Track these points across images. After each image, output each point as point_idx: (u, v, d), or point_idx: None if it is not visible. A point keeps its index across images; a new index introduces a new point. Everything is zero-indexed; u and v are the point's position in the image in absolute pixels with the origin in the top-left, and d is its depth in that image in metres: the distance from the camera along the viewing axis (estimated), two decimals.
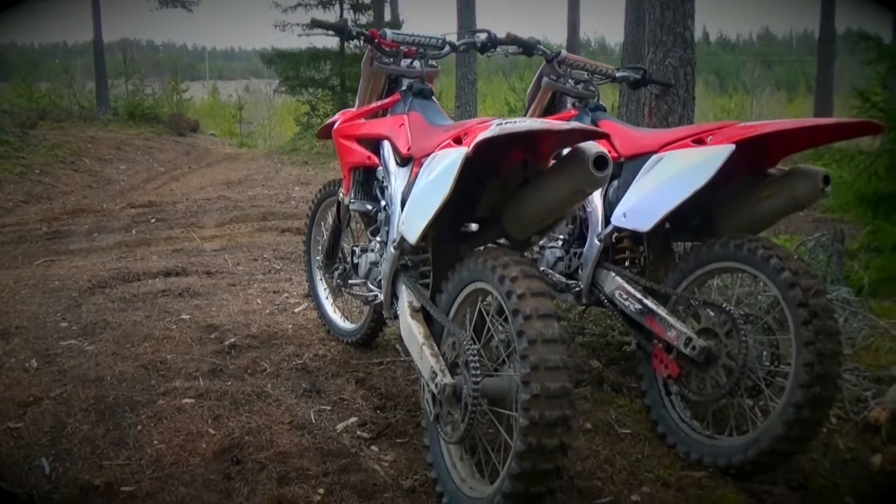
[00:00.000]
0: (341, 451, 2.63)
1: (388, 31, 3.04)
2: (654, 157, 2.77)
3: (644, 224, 2.71)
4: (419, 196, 2.40)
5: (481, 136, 2.07)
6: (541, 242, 3.31)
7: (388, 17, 15.85)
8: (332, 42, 17.34)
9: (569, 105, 3.38)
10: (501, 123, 2.08)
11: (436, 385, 2.19)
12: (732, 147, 2.46)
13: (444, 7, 13.58)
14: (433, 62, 3.16)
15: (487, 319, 2.24)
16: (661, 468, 2.51)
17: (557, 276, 3.12)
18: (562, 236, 3.19)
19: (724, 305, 2.49)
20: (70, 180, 10.96)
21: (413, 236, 2.39)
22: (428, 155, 2.43)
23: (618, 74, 3.49)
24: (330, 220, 3.52)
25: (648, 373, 2.75)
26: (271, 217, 7.36)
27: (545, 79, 3.40)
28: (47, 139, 12.81)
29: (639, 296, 2.74)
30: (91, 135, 14.59)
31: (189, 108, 24.09)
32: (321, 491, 2.38)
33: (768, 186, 2.60)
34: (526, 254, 3.28)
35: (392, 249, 2.64)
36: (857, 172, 4.24)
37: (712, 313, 2.54)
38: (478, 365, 2.07)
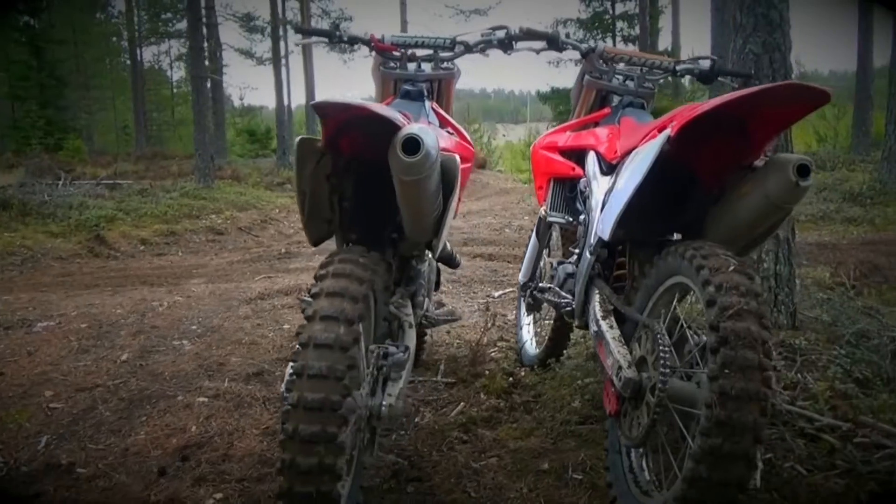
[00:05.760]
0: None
1: (388, 35, 2.94)
2: (633, 153, 2.30)
3: (605, 232, 2.25)
4: None
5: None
6: (562, 257, 2.93)
7: None
8: None
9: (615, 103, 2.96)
10: None
11: None
12: (667, 134, 1.95)
13: None
14: (448, 64, 2.98)
15: None
16: None
17: (565, 294, 2.71)
18: (577, 250, 2.77)
19: (654, 327, 1.96)
20: None
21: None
22: None
23: (678, 67, 2.95)
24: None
25: None
26: (471, 243, 7.41)
27: (586, 77, 3.00)
28: None
29: (598, 316, 2.27)
30: None
31: (495, 148, 25.79)
32: (218, 496, 2.33)
33: (747, 182, 2.01)
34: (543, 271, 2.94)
35: None
36: None
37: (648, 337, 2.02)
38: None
